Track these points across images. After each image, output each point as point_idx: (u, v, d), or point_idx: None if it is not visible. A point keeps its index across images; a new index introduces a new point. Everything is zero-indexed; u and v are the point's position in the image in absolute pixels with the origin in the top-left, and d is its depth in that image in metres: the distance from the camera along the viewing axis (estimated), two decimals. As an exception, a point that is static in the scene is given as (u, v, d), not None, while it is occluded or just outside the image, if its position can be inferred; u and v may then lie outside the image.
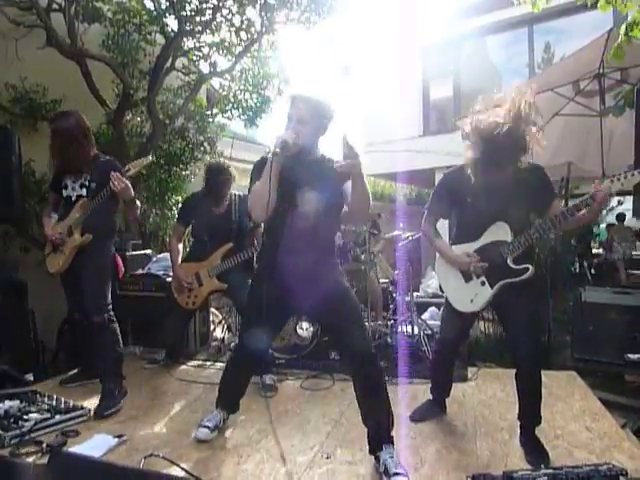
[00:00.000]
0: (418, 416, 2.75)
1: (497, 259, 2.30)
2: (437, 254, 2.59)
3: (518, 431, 2.43)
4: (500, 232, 2.32)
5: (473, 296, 2.36)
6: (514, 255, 2.27)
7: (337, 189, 2.21)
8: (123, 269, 3.46)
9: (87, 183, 3.00)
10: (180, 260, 3.69)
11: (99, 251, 3.02)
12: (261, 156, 2.41)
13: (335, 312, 2.26)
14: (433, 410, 2.80)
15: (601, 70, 4.15)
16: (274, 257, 2.26)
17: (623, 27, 3.12)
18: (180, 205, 4.07)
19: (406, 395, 3.12)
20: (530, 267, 2.25)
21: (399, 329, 4.17)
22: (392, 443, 2.21)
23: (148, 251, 4.96)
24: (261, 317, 2.25)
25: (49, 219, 3.12)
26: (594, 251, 8.90)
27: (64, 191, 3.07)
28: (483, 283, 2.35)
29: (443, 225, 2.65)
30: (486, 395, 3.15)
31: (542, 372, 2.37)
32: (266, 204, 2.12)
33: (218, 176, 3.50)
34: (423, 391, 3.03)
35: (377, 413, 2.24)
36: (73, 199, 3.02)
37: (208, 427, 2.53)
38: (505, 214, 2.30)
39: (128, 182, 2.82)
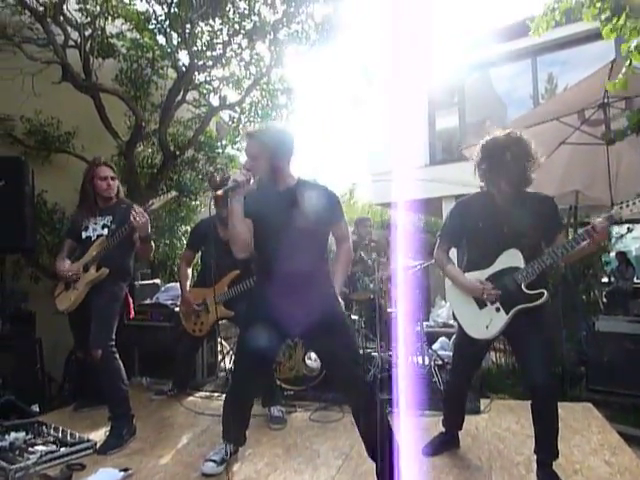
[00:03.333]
0: (431, 450, 2.68)
1: (511, 285, 2.29)
2: (448, 281, 2.57)
3: (535, 466, 2.36)
4: (513, 259, 2.32)
5: (488, 322, 2.33)
6: (528, 281, 2.27)
7: (315, 213, 2.21)
8: (133, 313, 3.48)
9: (109, 224, 3.08)
10: (189, 286, 3.69)
11: (112, 291, 3.05)
12: None
13: (328, 343, 2.25)
14: (446, 443, 2.73)
15: (606, 99, 4.19)
16: (263, 286, 2.35)
17: (625, 49, 3.14)
18: (190, 231, 4.10)
19: (418, 427, 3.05)
20: (545, 292, 2.24)
21: (409, 359, 4.10)
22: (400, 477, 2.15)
23: (157, 280, 4.98)
24: (255, 342, 2.28)
25: (62, 262, 3.14)
26: (604, 279, 8.81)
27: (84, 233, 3.13)
28: (498, 309, 2.32)
29: (452, 254, 2.64)
30: (500, 428, 3.06)
31: (558, 404, 2.32)
32: (241, 243, 2.23)
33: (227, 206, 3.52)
34: (435, 423, 2.95)
35: (377, 444, 2.18)
36: (93, 239, 3.08)
37: (214, 461, 2.49)
38: (517, 240, 2.31)
39: (148, 219, 2.86)
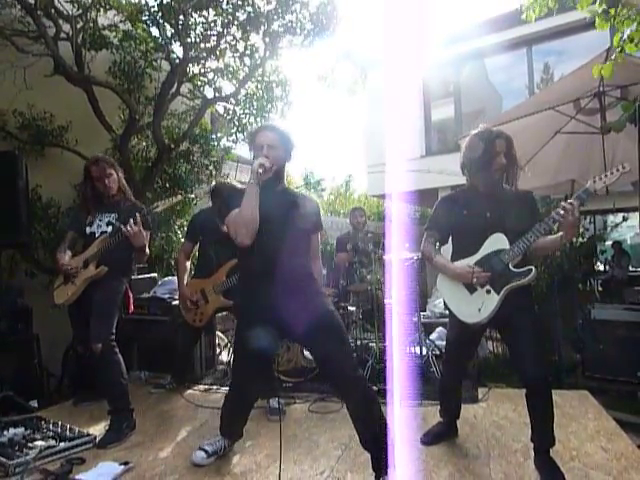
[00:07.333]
0: (429, 439, 2.70)
1: (498, 266, 2.32)
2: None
3: (532, 453, 2.38)
4: (498, 242, 2.36)
5: (480, 305, 2.34)
6: (515, 260, 2.30)
7: (305, 218, 2.35)
8: (132, 308, 3.49)
9: (114, 221, 3.09)
10: (187, 278, 3.69)
11: (112, 286, 3.06)
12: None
13: (317, 337, 2.24)
14: (444, 432, 2.76)
15: (601, 88, 4.18)
16: (261, 284, 2.26)
17: (617, 39, 3.13)
18: (188, 223, 4.09)
19: (416, 417, 3.07)
20: (533, 268, 2.27)
21: (407, 350, 4.12)
22: (394, 467, 2.16)
23: (153, 274, 4.96)
24: (252, 341, 2.25)
25: (63, 254, 3.15)
26: (600, 268, 8.88)
27: (88, 228, 3.13)
28: (488, 291, 2.34)
29: (447, 253, 2.64)
30: (498, 416, 3.09)
31: (554, 391, 2.32)
32: (252, 230, 2.18)
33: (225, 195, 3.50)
34: (433, 413, 2.98)
35: (372, 437, 2.19)
36: (97, 235, 3.08)
37: (206, 451, 2.51)
38: (500, 225, 2.35)
39: (143, 231, 2.89)
